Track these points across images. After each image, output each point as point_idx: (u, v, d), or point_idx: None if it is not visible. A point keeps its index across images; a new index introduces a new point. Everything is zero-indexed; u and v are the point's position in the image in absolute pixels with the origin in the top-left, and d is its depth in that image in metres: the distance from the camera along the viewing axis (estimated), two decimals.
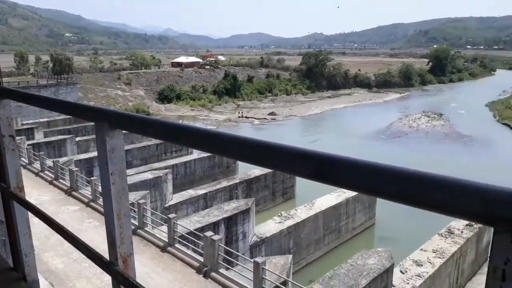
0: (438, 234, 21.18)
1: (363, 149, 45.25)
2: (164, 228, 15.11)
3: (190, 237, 14.89)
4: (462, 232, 21.27)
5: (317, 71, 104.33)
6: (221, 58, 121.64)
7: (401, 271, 17.86)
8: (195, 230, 16.67)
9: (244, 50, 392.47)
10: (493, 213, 0.70)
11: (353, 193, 25.25)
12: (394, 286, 16.77)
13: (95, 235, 13.79)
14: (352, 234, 26.53)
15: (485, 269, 22.71)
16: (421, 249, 19.75)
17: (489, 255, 0.62)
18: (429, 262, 18.52)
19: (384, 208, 27.06)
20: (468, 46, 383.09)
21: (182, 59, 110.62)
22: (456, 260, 19.86)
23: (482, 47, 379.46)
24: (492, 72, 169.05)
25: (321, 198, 25.51)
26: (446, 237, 20.75)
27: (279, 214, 23.52)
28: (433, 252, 19.35)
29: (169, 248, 14.16)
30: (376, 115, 70.87)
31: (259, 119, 69.04)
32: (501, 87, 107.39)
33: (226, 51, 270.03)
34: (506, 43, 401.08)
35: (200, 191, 26.42)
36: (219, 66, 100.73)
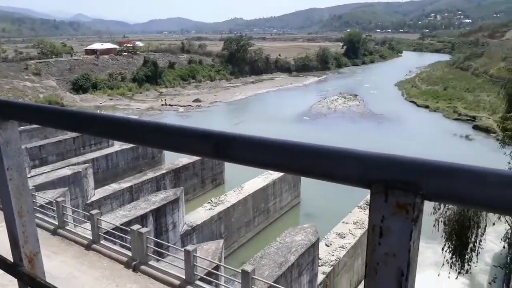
0: (358, 206, 22.80)
1: (286, 132, 46.70)
2: (88, 225, 14.42)
3: (117, 233, 14.41)
4: None
5: (239, 57, 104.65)
6: (139, 44, 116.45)
7: (326, 244, 19.00)
8: (121, 224, 16.14)
9: (163, 35, 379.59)
10: (368, 176, 0.77)
11: (280, 174, 26.09)
12: (320, 259, 17.80)
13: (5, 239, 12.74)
14: (280, 213, 27.51)
15: None
16: (343, 222, 21.15)
17: (368, 215, 0.82)
18: (351, 233, 19.92)
19: (308, 186, 28.41)
20: (377, 30, 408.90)
21: (97, 46, 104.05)
22: None
23: (389, 30, 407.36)
24: (399, 54, 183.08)
25: (249, 181, 26.02)
26: (365, 209, 22.41)
27: (209, 201, 23.59)
28: (354, 223, 20.83)
29: (94, 246, 13.57)
30: (297, 99, 73.32)
31: (184, 106, 67.82)
32: (407, 68, 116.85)
33: (144, 37, 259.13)
34: (410, 26, 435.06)
35: (125, 184, 25.46)
36: (138, 52, 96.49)
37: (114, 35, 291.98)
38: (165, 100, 72.66)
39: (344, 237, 19.58)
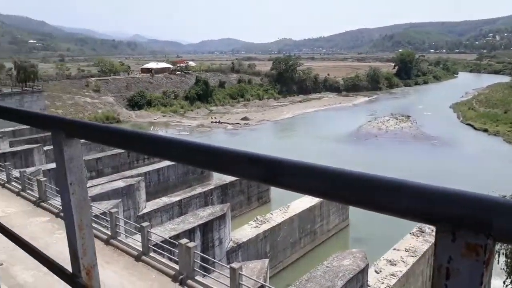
0: (410, 233, 21.71)
1: (336, 152, 45.95)
2: (138, 237, 14.80)
3: (165, 245, 14.66)
4: (432, 230, 21.89)
5: (287, 76, 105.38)
6: (191, 63, 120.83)
7: (375, 271, 18.19)
8: (170, 238, 16.44)
9: (214, 55, 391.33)
10: (435, 213, 0.73)
11: None
12: (369, 286, 17.05)
13: (66, 247, 13.36)
14: (327, 236, 26.83)
15: None
16: (394, 249, 20.19)
17: (433, 254, 0.76)
18: (402, 261, 18.96)
19: (357, 209, 27.42)
20: (431, 50, 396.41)
21: (152, 65, 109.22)
22: (428, 258, 20.41)
23: (444, 51, 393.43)
24: (455, 75, 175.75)
25: (296, 201, 25.69)
26: (418, 236, 21.30)
27: (255, 219, 23.51)
28: (406, 251, 19.82)
29: (144, 257, 13.89)
30: (346, 118, 72.20)
31: (232, 124, 69.00)
32: (463, 89, 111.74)
33: (196, 57, 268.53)
34: (466, 47, 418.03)
35: (174, 198, 26.07)
36: (190, 71, 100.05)
37: (168, 55, 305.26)
38: (214, 117, 74.38)
39: (395, 264, 18.67)
